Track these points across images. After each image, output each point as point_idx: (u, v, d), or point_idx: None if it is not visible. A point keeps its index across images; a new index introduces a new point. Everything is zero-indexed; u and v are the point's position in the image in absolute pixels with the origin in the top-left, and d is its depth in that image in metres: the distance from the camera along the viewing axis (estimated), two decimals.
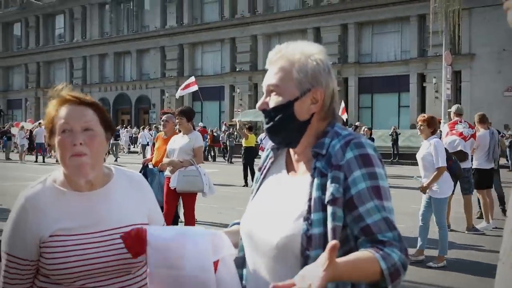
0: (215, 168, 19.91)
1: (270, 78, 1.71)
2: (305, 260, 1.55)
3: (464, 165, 8.98)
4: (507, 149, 20.16)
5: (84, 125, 1.81)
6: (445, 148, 7.16)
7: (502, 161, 19.05)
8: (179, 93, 19.18)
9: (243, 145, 16.59)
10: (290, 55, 1.69)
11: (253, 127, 18.19)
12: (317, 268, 1.34)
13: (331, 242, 1.34)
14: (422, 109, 33.06)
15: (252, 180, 15.34)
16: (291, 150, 1.79)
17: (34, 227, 1.80)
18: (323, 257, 1.34)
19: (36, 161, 26.14)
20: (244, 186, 15.41)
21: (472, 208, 9.08)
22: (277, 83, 1.68)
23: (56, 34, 54.65)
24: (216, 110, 42.55)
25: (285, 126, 1.69)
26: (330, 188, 1.58)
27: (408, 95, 34.27)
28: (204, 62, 44.53)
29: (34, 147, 27.76)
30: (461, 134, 9.06)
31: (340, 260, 1.38)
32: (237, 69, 41.10)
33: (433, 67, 31.44)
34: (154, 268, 1.65)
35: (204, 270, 1.66)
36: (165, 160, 7.26)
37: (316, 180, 1.62)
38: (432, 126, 6.95)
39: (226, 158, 27.27)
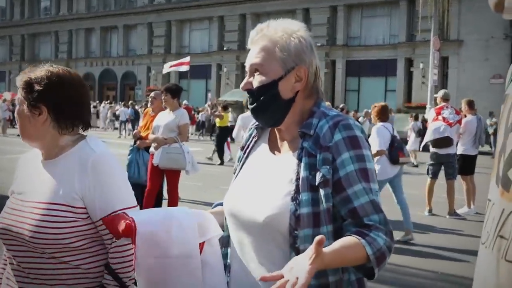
0: (199, 147, 19.87)
1: (253, 58, 1.70)
2: (294, 239, 1.58)
3: (449, 150, 9.09)
4: (491, 136, 20.33)
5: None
6: (394, 136, 7.38)
7: (486, 148, 19.27)
8: (166, 69, 18.95)
9: (217, 125, 16.77)
10: (272, 34, 1.69)
11: (228, 106, 18.37)
12: (304, 261, 1.36)
13: (318, 237, 1.35)
14: (409, 94, 33.20)
15: (222, 158, 15.50)
16: (275, 129, 1.79)
17: (13, 182, 2.01)
18: (310, 250, 1.36)
19: (19, 135, 25.85)
20: (220, 164, 15.68)
21: (454, 193, 9.18)
22: (261, 62, 1.67)
23: (42, 6, 53.83)
24: (202, 88, 42.36)
25: (270, 106, 1.68)
26: (322, 170, 1.59)
27: (395, 79, 34.36)
28: (191, 40, 44.22)
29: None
30: (445, 119, 9.11)
31: (327, 250, 1.41)
32: (225, 48, 40.85)
33: (421, 52, 31.50)
34: (141, 258, 1.63)
35: (190, 256, 1.65)
36: (150, 136, 7.26)
37: (304, 160, 1.62)
38: (379, 114, 7.50)
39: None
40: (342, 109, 18.28)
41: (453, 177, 9.20)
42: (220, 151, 16.24)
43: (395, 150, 7.26)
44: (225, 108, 17.61)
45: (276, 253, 1.62)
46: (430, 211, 9.19)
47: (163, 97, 7.30)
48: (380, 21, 35.64)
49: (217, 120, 17.01)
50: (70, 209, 1.81)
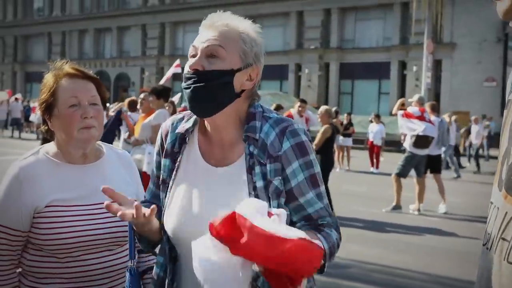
0: None
1: (214, 41, 1.58)
2: None
3: (426, 151, 9.64)
4: (485, 139, 20.42)
5: (91, 99, 1.88)
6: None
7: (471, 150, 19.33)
8: (165, 77, 18.98)
9: None
10: (237, 24, 1.64)
11: None
12: None
13: None
14: (402, 97, 33.25)
15: None
16: (209, 133, 1.67)
17: (29, 197, 1.80)
18: None
19: (12, 136, 25.81)
20: None
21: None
22: (223, 47, 1.58)
23: (35, 7, 53.69)
24: None
25: (217, 93, 1.57)
26: (275, 181, 1.57)
27: (388, 82, 34.49)
28: (185, 42, 44.21)
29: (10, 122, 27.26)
30: (431, 122, 9.64)
31: None
32: None
33: (414, 55, 31.64)
34: None
35: None
36: (132, 139, 7.41)
37: (257, 169, 1.57)
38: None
39: None
40: (336, 112, 18.32)
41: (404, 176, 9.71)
42: None
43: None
44: None
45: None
46: (399, 207, 9.62)
47: (149, 99, 7.40)
48: (374, 24, 35.76)
49: None
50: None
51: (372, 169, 16.62)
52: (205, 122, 1.67)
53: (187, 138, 1.70)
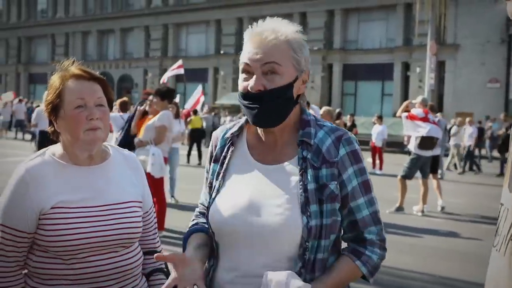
0: (194, 150, 19.81)
1: (269, 57, 1.61)
2: (303, 251, 1.59)
3: (430, 152, 9.65)
4: (487, 140, 20.36)
5: (97, 101, 1.88)
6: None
7: (483, 151, 19.30)
8: (165, 76, 18.99)
9: (189, 127, 17.69)
10: (283, 32, 1.66)
11: (197, 110, 19.20)
12: None
13: None
14: (405, 98, 33.18)
15: (199, 159, 16.45)
16: (261, 135, 1.73)
17: (34, 199, 1.81)
18: None
19: (15, 138, 25.83)
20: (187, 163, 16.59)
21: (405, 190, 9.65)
22: (280, 63, 1.61)
23: (39, 9, 53.84)
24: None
25: (283, 108, 1.65)
26: (331, 185, 1.63)
27: (392, 83, 34.44)
28: (188, 43, 44.27)
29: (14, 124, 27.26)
30: (435, 123, 9.66)
31: (328, 280, 1.59)
32: (222, 52, 40.90)
33: (417, 56, 31.59)
34: None
35: None
36: (135, 140, 7.38)
37: (310, 172, 1.63)
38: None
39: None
40: (339, 113, 18.30)
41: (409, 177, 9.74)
42: (190, 152, 17.25)
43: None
44: (194, 112, 18.58)
45: (278, 264, 1.60)
46: (401, 209, 9.64)
47: (154, 100, 7.39)
48: (377, 25, 35.73)
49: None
50: (140, 204, 1.99)
51: (376, 171, 16.57)
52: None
53: (234, 142, 1.77)
